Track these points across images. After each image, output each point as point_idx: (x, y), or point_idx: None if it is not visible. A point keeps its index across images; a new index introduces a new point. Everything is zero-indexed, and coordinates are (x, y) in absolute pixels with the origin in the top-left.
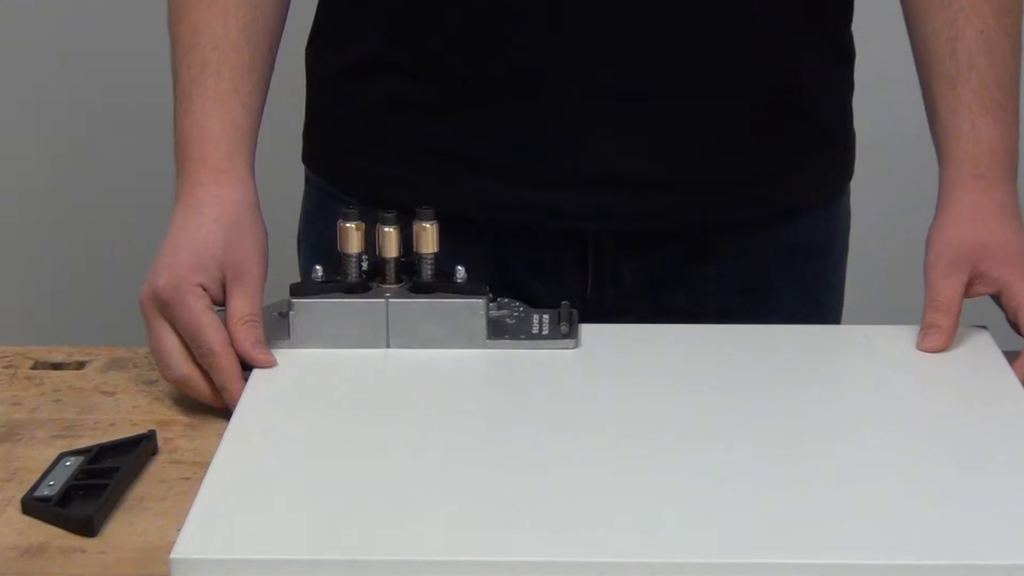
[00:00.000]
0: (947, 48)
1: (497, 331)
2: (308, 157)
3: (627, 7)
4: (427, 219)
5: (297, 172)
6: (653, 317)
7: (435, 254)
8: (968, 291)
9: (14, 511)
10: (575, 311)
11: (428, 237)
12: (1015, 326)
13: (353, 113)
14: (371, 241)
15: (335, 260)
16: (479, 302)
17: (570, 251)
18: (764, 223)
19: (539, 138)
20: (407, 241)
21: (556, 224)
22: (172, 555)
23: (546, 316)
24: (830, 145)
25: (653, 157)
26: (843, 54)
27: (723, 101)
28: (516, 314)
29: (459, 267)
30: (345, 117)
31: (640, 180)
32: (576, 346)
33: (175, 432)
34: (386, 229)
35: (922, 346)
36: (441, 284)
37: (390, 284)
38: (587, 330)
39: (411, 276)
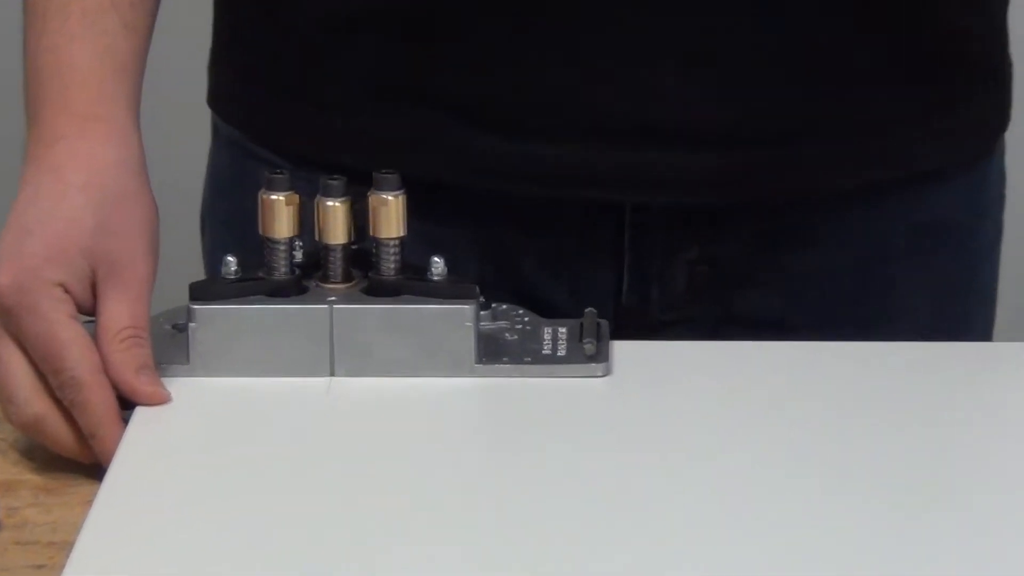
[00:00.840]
0: None
1: (492, 351)
2: (215, 98)
3: None
4: (389, 188)
5: (202, 120)
6: (718, 331)
7: (401, 239)
8: None
9: None
10: (604, 323)
11: (391, 214)
12: None
13: (281, 34)
14: (308, 221)
15: (256, 247)
16: (466, 309)
17: (600, 235)
18: (882, 195)
19: (555, 70)
20: (361, 221)
21: (579, 195)
22: None
23: (562, 330)
24: (979, 78)
25: (724, 96)
26: None
27: (824, 16)
28: (519, 327)
29: (436, 258)
30: (269, 41)
31: (705, 130)
32: (606, 373)
33: (23, 499)
34: (329, 203)
35: None
36: (410, 283)
37: (336, 283)
38: (621, 350)
39: (366, 271)
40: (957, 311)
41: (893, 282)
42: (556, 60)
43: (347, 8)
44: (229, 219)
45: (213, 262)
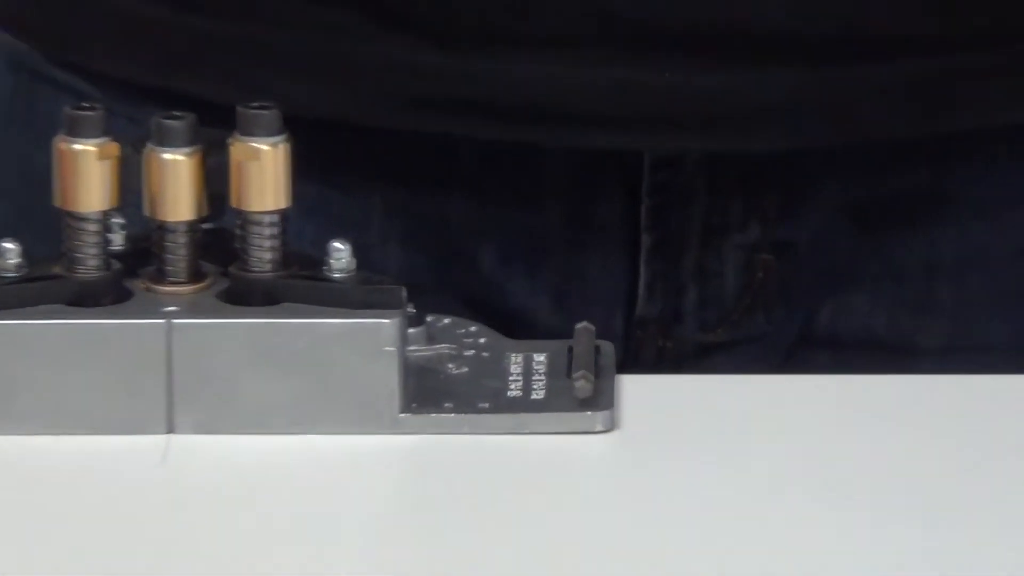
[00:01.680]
0: None
1: (427, 393)
2: None
3: None
4: (264, 131)
5: None
6: (792, 358)
7: (283, 214)
8: None
9: None
10: (607, 346)
11: (266, 174)
12: None
13: None
14: (133, 186)
15: (50, 226)
16: (384, 325)
17: (603, 207)
18: None
19: None
20: (218, 186)
21: (572, 140)
22: None
23: (539, 358)
24: None
25: None
26: None
27: None
28: (470, 353)
29: (338, 244)
30: None
31: (767, 35)
32: (608, 427)
33: None
34: (167, 156)
35: None
36: (296, 283)
37: (177, 284)
38: (632, 390)
39: (226, 265)
40: None
41: None
42: None
43: None
44: (5, 182)
45: None
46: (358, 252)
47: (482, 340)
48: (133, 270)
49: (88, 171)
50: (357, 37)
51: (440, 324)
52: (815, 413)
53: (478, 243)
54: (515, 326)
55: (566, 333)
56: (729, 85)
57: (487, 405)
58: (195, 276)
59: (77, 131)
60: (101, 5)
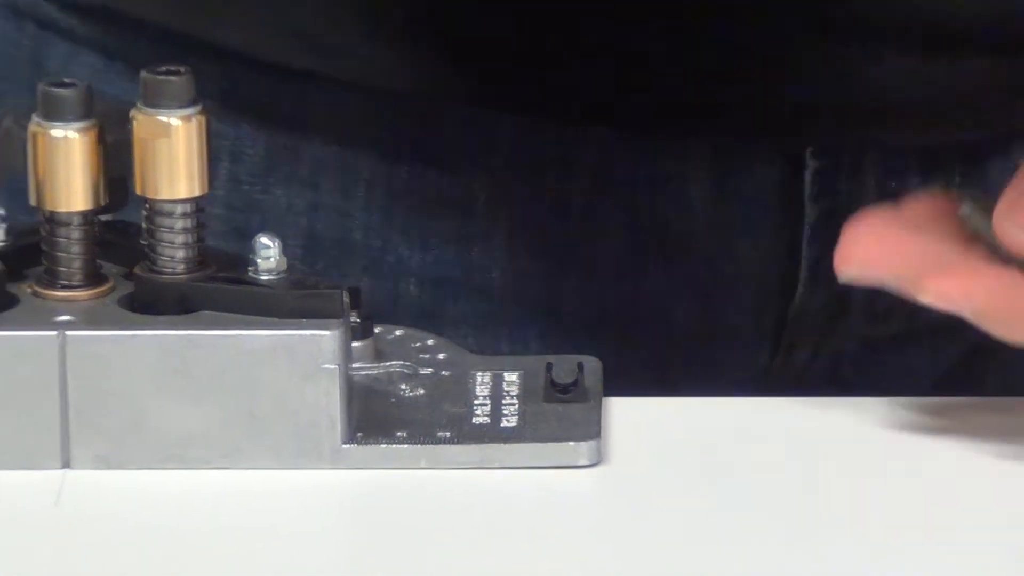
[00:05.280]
0: None
1: (375, 420)
2: None
3: None
4: (173, 101)
5: None
6: (972, 360)
7: (196, 202)
8: None
9: None
10: (592, 361)
11: (177, 154)
12: None
13: None
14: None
15: None
16: (323, 336)
17: (762, 173)
18: None
19: None
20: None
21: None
22: None
23: (511, 378)
24: None
25: None
26: None
27: None
28: (427, 371)
29: (264, 239)
30: None
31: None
32: (594, 461)
33: None
34: (57, 133)
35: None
36: (215, 288)
37: (72, 288)
38: (621, 412)
39: (130, 265)
40: None
41: None
42: None
43: None
44: None
45: None
46: (459, 243)
47: (441, 356)
48: (18, 271)
49: None
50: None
51: (391, 336)
52: (825, 438)
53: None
54: (647, 326)
55: (707, 333)
56: (922, 75)
57: (448, 434)
58: (93, 279)
59: None
60: None
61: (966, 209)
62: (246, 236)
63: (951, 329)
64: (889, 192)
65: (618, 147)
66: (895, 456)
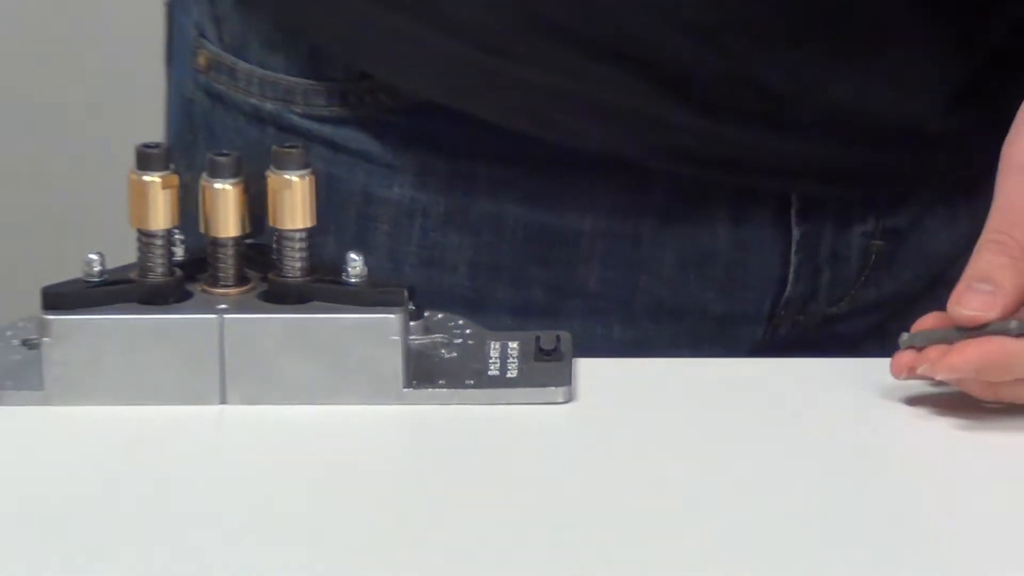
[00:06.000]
0: None
1: (425, 372)
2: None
3: None
4: (293, 166)
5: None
6: (888, 327)
7: (309, 231)
8: None
9: None
10: (566, 335)
11: (296, 200)
12: None
13: None
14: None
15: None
16: (390, 319)
17: (764, 213)
18: None
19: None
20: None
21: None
22: None
23: (513, 345)
24: None
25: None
26: None
27: None
28: (459, 341)
29: (353, 255)
30: None
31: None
32: (568, 399)
33: None
34: (218, 185)
35: (958, 310)
36: (320, 287)
37: (227, 287)
38: (585, 369)
39: (265, 272)
40: None
41: None
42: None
43: None
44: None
45: None
46: (565, 268)
47: (468, 331)
48: (192, 276)
49: (154, 198)
50: (634, 95)
51: (435, 319)
52: (729, 384)
53: (663, 254)
54: (683, 314)
55: (731, 318)
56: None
57: (471, 382)
58: (241, 281)
59: (145, 165)
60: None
61: (904, 337)
62: (432, 265)
63: (877, 306)
64: (842, 220)
65: (682, 191)
66: (831, 395)
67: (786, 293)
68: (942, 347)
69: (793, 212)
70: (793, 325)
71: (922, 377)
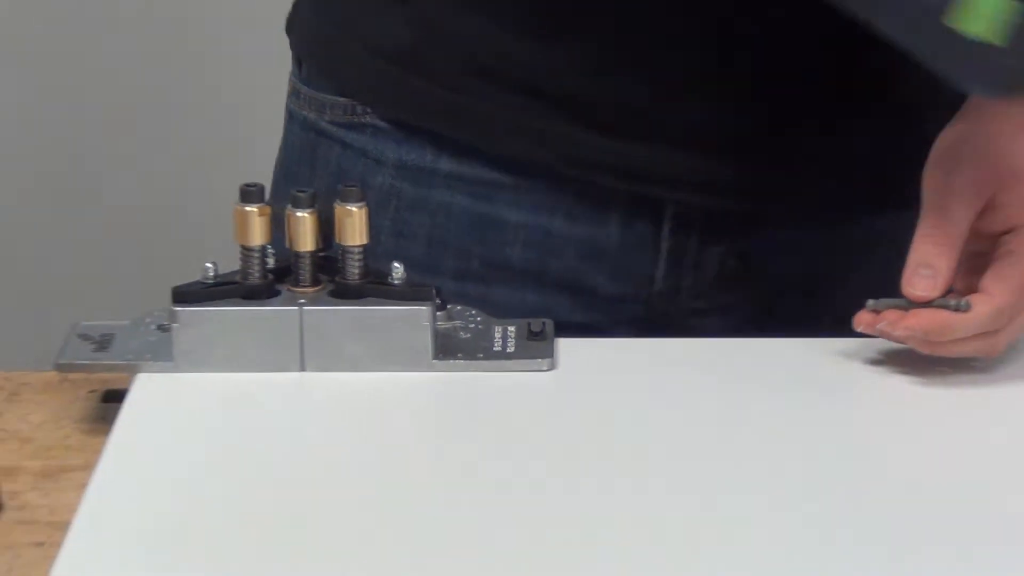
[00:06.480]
0: None
1: (447, 348)
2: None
3: None
4: (353, 200)
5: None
6: (763, 328)
7: (364, 247)
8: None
9: None
10: (549, 322)
11: (355, 224)
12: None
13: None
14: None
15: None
16: (423, 310)
17: (641, 225)
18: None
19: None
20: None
21: (638, 190)
22: None
23: (511, 329)
24: None
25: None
26: None
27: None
28: (472, 326)
29: (396, 264)
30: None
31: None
32: (551, 368)
33: (23, 484)
34: (299, 214)
35: (909, 291)
36: (372, 286)
37: (305, 287)
38: (563, 346)
39: (333, 276)
40: None
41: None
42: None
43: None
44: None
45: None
46: (496, 247)
47: (479, 319)
48: (280, 279)
49: (253, 223)
50: (548, 111)
51: (455, 310)
52: (681, 359)
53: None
54: (580, 291)
55: (616, 298)
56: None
57: (481, 355)
58: (315, 282)
59: (247, 199)
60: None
61: (870, 303)
62: (401, 236)
63: (730, 307)
64: (704, 241)
65: (587, 196)
66: (774, 367)
67: (655, 288)
68: (899, 312)
69: (665, 227)
70: (665, 313)
71: (880, 333)
